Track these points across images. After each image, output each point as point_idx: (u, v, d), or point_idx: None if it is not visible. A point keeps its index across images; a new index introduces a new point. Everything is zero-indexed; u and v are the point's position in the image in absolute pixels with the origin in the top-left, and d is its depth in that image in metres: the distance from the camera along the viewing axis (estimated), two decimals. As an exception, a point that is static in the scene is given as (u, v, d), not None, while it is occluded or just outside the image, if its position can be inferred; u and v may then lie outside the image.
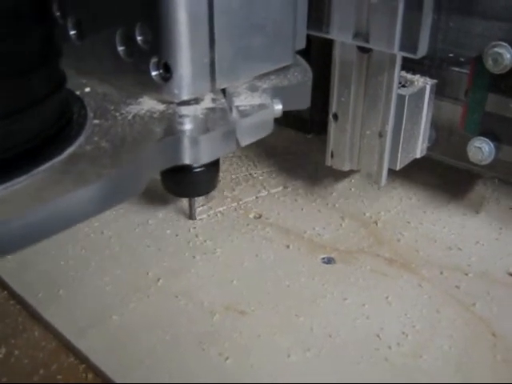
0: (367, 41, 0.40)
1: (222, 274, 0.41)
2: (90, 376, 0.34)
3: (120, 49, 0.36)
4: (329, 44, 0.43)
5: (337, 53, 0.43)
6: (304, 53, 0.41)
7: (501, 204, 0.48)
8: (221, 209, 0.48)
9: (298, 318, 0.37)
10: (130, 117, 0.34)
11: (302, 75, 0.40)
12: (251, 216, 0.47)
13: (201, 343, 0.35)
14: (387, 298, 0.38)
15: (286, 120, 0.50)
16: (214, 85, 0.36)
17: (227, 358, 0.34)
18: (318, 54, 0.49)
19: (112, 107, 0.35)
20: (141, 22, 0.34)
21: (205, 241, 0.44)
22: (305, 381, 0.33)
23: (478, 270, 0.41)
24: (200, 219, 0.46)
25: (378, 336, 0.36)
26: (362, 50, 0.41)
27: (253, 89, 0.38)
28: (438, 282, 0.40)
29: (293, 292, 0.39)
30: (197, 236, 0.45)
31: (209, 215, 0.47)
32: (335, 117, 0.44)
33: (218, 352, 0.35)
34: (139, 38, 0.34)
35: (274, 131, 0.37)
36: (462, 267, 0.41)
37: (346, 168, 0.46)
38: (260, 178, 0.52)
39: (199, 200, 0.48)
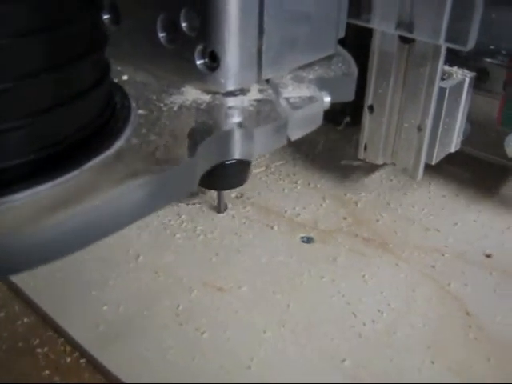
0: (411, 31, 0.38)
1: (202, 251, 0.41)
2: (69, 349, 0.35)
3: (161, 35, 0.33)
4: (364, 33, 0.41)
5: (376, 43, 0.41)
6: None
7: (480, 187, 0.48)
8: (203, 188, 0.48)
9: (274, 294, 0.37)
10: (175, 108, 0.32)
11: (346, 66, 0.38)
12: (233, 195, 0.47)
13: (178, 318, 0.36)
14: (364, 276, 0.39)
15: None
16: (260, 75, 0.34)
17: (203, 333, 0.35)
18: (352, 43, 0.47)
19: (154, 97, 0.33)
20: (187, 7, 0.31)
21: (185, 219, 0.44)
22: (279, 355, 0.33)
23: (454, 250, 0.41)
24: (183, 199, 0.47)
25: (354, 313, 0.36)
26: (403, 40, 0.40)
27: (298, 80, 0.36)
28: (415, 262, 0.40)
29: (270, 270, 0.39)
30: (178, 215, 0.45)
31: (191, 194, 0.47)
32: (371, 109, 0.43)
33: (194, 327, 0.35)
34: (184, 25, 0.32)
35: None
36: (439, 248, 0.41)
37: (380, 161, 0.45)
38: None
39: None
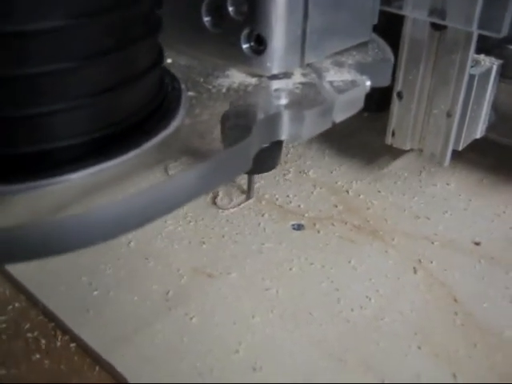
0: (443, 18, 0.38)
1: (192, 237, 0.41)
2: (59, 333, 0.35)
3: (206, 19, 0.34)
4: (394, 19, 0.41)
5: (407, 30, 0.41)
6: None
7: (472, 176, 0.49)
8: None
9: (263, 281, 0.38)
10: (224, 90, 0.33)
11: (381, 52, 0.39)
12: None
13: (168, 303, 0.36)
14: (353, 263, 0.39)
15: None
16: (303, 59, 0.35)
17: (192, 318, 0.35)
18: (382, 30, 0.47)
19: (201, 79, 0.34)
20: None
21: (177, 206, 0.44)
22: (267, 340, 0.33)
23: (444, 238, 0.41)
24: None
25: (342, 299, 0.36)
26: (435, 27, 0.40)
27: (338, 64, 0.37)
28: (404, 250, 0.40)
29: (260, 256, 0.40)
30: (170, 201, 0.45)
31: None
32: (400, 95, 0.43)
33: (184, 312, 0.35)
34: (231, 9, 0.33)
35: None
36: (428, 236, 0.42)
37: (407, 147, 0.45)
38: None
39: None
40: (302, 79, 0.35)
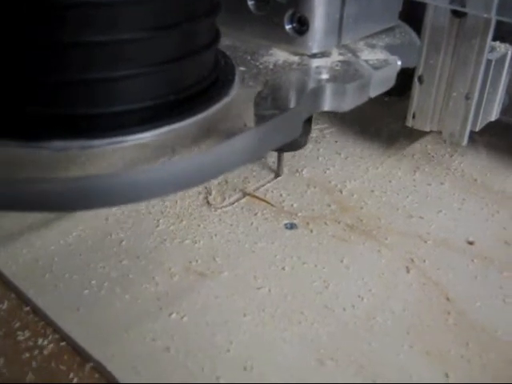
0: (463, 5, 0.40)
1: (184, 236, 0.41)
2: (49, 332, 0.34)
3: (250, 3, 0.37)
4: (415, 7, 0.44)
5: (429, 17, 0.43)
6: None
7: (466, 175, 0.48)
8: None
9: (256, 280, 0.37)
10: (271, 66, 0.37)
11: (408, 35, 0.44)
12: (216, 183, 0.47)
13: (159, 302, 0.36)
14: (346, 262, 0.39)
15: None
16: (340, 40, 0.39)
17: (183, 317, 0.35)
18: (404, 16, 0.49)
19: (248, 57, 0.38)
20: None
21: (169, 205, 0.44)
22: (258, 339, 0.33)
23: (437, 237, 0.41)
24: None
25: (334, 299, 0.36)
26: (455, 14, 0.42)
27: (371, 46, 0.41)
28: (397, 249, 0.40)
29: (252, 255, 0.39)
30: (162, 200, 0.45)
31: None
32: (421, 79, 0.45)
33: (175, 311, 0.35)
34: None
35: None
36: (421, 235, 0.41)
37: (427, 128, 0.47)
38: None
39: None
40: (340, 58, 0.39)
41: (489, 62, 0.43)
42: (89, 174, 0.28)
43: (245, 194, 0.46)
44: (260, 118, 0.31)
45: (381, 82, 0.39)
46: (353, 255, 0.39)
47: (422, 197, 0.46)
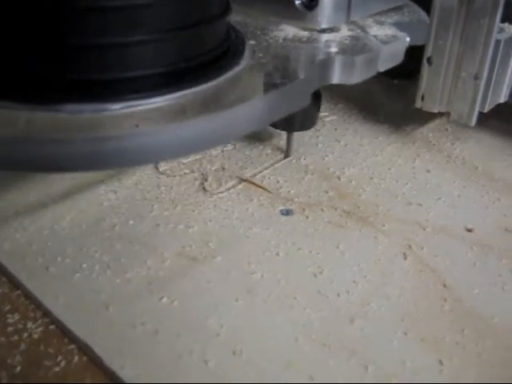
0: None
1: (178, 222, 0.40)
2: (39, 315, 0.34)
3: None
4: None
5: None
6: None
7: (467, 163, 0.48)
8: (185, 161, 0.47)
9: (249, 265, 0.37)
10: (280, 40, 0.37)
11: (417, 14, 0.45)
12: (213, 168, 0.46)
13: (150, 286, 0.35)
14: (341, 248, 0.38)
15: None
16: (349, 16, 0.40)
17: (174, 301, 0.34)
18: None
19: (258, 32, 0.38)
20: None
21: (164, 191, 0.43)
22: (249, 323, 0.33)
23: (436, 224, 0.40)
24: (164, 170, 0.46)
25: (328, 284, 0.35)
26: None
27: (379, 23, 0.42)
28: (394, 236, 0.39)
29: (247, 240, 0.39)
30: (158, 186, 0.44)
31: (171, 167, 0.46)
32: (429, 60, 0.45)
33: (166, 295, 0.34)
34: None
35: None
36: (420, 222, 0.41)
37: (436, 110, 0.47)
38: (228, 132, 0.51)
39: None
40: (349, 33, 0.39)
41: (498, 42, 0.43)
42: (101, 134, 0.28)
43: (241, 180, 0.45)
44: (270, 87, 0.32)
45: (390, 57, 0.39)
46: (349, 241, 0.39)
47: (421, 184, 0.45)
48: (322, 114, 0.54)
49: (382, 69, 0.39)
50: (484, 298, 0.35)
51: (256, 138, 0.50)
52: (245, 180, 0.45)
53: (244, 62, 0.35)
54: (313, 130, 0.52)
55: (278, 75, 0.33)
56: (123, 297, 0.34)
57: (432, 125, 0.53)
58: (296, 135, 0.50)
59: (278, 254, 0.38)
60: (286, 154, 0.48)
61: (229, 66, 0.34)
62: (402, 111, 0.55)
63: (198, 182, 0.45)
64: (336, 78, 0.37)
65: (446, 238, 0.39)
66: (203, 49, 0.33)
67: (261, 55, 0.35)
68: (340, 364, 0.30)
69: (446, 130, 0.52)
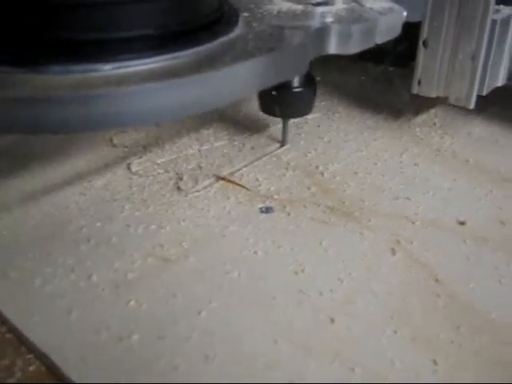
0: None
1: (150, 222, 0.38)
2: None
3: None
4: None
5: None
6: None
7: (457, 156, 0.45)
8: (159, 161, 0.45)
9: (225, 265, 0.34)
10: (274, 12, 0.37)
11: None
12: (189, 167, 0.44)
13: (117, 290, 0.32)
14: (324, 245, 0.35)
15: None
16: None
17: (142, 304, 0.31)
18: None
19: (252, 6, 0.38)
20: None
21: (136, 191, 0.41)
22: (224, 326, 0.30)
23: (425, 218, 0.38)
24: (136, 171, 0.43)
25: (310, 282, 0.33)
26: None
27: None
28: (381, 231, 0.37)
29: (223, 239, 0.36)
30: (129, 186, 0.41)
31: (144, 167, 0.44)
32: (425, 43, 0.45)
33: (133, 298, 0.31)
34: None
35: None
36: (408, 216, 0.38)
37: (434, 94, 0.46)
38: (205, 132, 0.49)
39: (137, 152, 0.45)
40: (344, 6, 0.38)
41: (494, 22, 0.42)
42: (92, 92, 0.27)
43: (218, 179, 0.42)
44: (264, 50, 0.31)
45: (386, 29, 0.38)
46: (332, 238, 0.36)
47: (409, 178, 0.42)
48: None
49: (379, 41, 0.38)
50: (480, 292, 0.32)
51: (234, 135, 0.48)
52: (222, 178, 0.42)
53: (238, 30, 0.34)
54: (294, 127, 0.49)
55: (273, 41, 0.32)
56: (87, 301, 0.31)
57: (419, 120, 0.51)
58: (275, 132, 0.48)
59: (256, 253, 0.35)
60: (282, 143, 0.46)
61: (223, 32, 0.33)
62: (388, 107, 0.53)
63: (172, 182, 0.42)
64: (333, 47, 0.36)
65: (437, 231, 0.37)
66: (196, 13, 0.33)
67: (255, 24, 0.35)
68: (323, 367, 0.27)
69: (434, 124, 0.50)
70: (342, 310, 0.31)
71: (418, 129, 0.49)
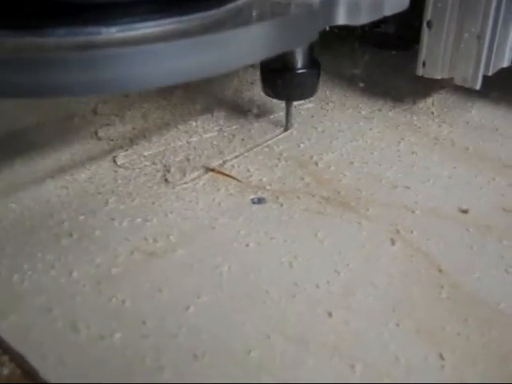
0: None
1: (136, 215, 0.35)
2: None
3: None
4: None
5: None
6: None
7: (456, 144, 0.43)
8: (146, 153, 0.43)
9: (214, 258, 0.32)
10: None
11: None
12: (177, 159, 0.42)
13: (99, 286, 0.30)
14: (320, 236, 0.33)
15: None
16: None
17: (125, 301, 0.29)
18: None
19: None
20: None
21: (121, 184, 0.39)
22: (214, 322, 0.28)
23: (425, 207, 0.36)
24: (122, 164, 0.41)
25: (305, 274, 0.31)
26: None
27: None
28: (380, 220, 0.35)
29: (212, 232, 0.34)
30: (114, 179, 0.39)
31: (130, 160, 0.42)
32: (429, 24, 0.44)
33: (116, 295, 0.29)
34: None
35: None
36: (408, 205, 0.36)
37: (439, 76, 0.45)
38: (194, 123, 0.47)
39: (123, 145, 0.43)
40: None
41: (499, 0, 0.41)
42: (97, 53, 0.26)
43: (208, 170, 0.40)
44: (272, 15, 0.31)
45: (395, 3, 0.38)
46: (328, 228, 0.34)
47: (407, 167, 0.40)
48: (296, 103, 0.50)
49: (387, 13, 0.38)
50: (486, 282, 0.30)
51: (224, 127, 0.46)
52: (211, 170, 0.40)
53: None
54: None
55: (280, 8, 0.32)
56: (67, 298, 0.29)
57: (416, 108, 0.49)
58: (266, 124, 0.46)
59: (247, 245, 0.33)
60: (286, 127, 0.45)
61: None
62: (383, 96, 0.51)
63: (159, 174, 0.40)
64: (342, 18, 0.35)
65: (439, 220, 0.35)
66: None
67: None
68: (320, 363, 0.25)
69: (432, 113, 0.48)
70: (339, 303, 0.29)
71: (415, 117, 0.47)
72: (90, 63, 0.26)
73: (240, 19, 0.30)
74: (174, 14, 0.29)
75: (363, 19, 0.36)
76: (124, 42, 0.27)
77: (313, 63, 0.43)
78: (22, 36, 0.27)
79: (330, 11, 0.35)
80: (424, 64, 0.45)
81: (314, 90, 0.44)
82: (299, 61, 0.42)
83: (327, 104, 0.50)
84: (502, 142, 0.43)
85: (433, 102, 0.50)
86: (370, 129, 0.46)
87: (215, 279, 0.30)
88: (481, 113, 0.48)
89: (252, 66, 0.56)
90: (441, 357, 0.26)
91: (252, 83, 0.54)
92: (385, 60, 0.57)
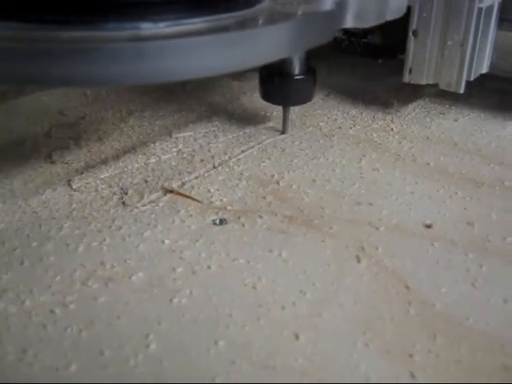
0: None
1: (92, 239, 0.34)
2: None
3: None
4: None
5: None
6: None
7: (417, 160, 0.43)
8: (102, 176, 0.41)
9: (175, 282, 0.31)
10: None
11: None
12: (135, 181, 0.40)
13: (53, 316, 0.28)
14: (284, 256, 0.32)
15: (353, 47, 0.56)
16: None
17: (81, 331, 0.27)
18: None
19: None
20: None
21: (76, 208, 0.37)
22: (175, 348, 0.26)
23: (390, 223, 0.35)
24: (77, 187, 0.40)
25: (270, 296, 0.29)
26: None
27: None
28: (344, 238, 0.34)
29: (172, 255, 0.33)
30: (69, 204, 0.38)
31: (86, 183, 0.40)
32: (415, 33, 0.47)
33: (71, 325, 0.28)
34: None
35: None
36: (372, 221, 0.36)
37: (424, 82, 0.48)
38: (152, 145, 0.46)
39: (78, 168, 0.42)
40: None
41: (479, 9, 0.45)
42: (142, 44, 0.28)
43: (167, 192, 0.39)
44: (296, 15, 0.33)
45: (395, 9, 0.42)
46: (292, 248, 0.33)
47: (369, 183, 0.40)
48: (257, 122, 0.50)
49: (389, 18, 0.42)
50: (454, 297, 0.29)
51: (183, 148, 0.45)
52: (170, 191, 0.39)
53: (265, 3, 0.36)
54: (246, 137, 0.47)
55: (301, 9, 0.34)
56: (16, 331, 0.27)
57: (376, 125, 0.49)
58: (226, 144, 0.45)
59: (209, 268, 0.32)
60: (283, 131, 0.47)
61: (254, 2, 0.35)
62: (342, 114, 0.51)
63: (116, 197, 0.39)
64: (350, 21, 0.39)
65: (403, 236, 0.34)
66: None
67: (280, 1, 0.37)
68: (289, 388, 0.24)
69: (392, 129, 0.48)
70: (306, 325, 0.28)
71: (375, 134, 0.47)
72: (145, 53, 0.28)
73: (269, 18, 0.33)
74: (211, 13, 0.32)
75: (369, 23, 0.40)
76: (171, 36, 0.29)
77: (309, 69, 0.45)
78: (75, 30, 0.29)
79: (342, 14, 0.38)
80: (410, 71, 0.48)
81: (311, 96, 0.46)
82: (297, 67, 0.44)
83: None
84: (461, 157, 0.43)
85: (392, 120, 0.50)
86: (331, 146, 0.45)
87: (175, 305, 0.29)
88: (440, 129, 0.48)
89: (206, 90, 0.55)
90: (412, 375, 0.25)
91: (211, 104, 0.53)
92: (333, 84, 0.57)
